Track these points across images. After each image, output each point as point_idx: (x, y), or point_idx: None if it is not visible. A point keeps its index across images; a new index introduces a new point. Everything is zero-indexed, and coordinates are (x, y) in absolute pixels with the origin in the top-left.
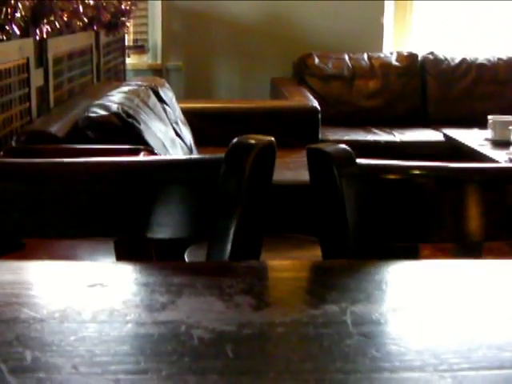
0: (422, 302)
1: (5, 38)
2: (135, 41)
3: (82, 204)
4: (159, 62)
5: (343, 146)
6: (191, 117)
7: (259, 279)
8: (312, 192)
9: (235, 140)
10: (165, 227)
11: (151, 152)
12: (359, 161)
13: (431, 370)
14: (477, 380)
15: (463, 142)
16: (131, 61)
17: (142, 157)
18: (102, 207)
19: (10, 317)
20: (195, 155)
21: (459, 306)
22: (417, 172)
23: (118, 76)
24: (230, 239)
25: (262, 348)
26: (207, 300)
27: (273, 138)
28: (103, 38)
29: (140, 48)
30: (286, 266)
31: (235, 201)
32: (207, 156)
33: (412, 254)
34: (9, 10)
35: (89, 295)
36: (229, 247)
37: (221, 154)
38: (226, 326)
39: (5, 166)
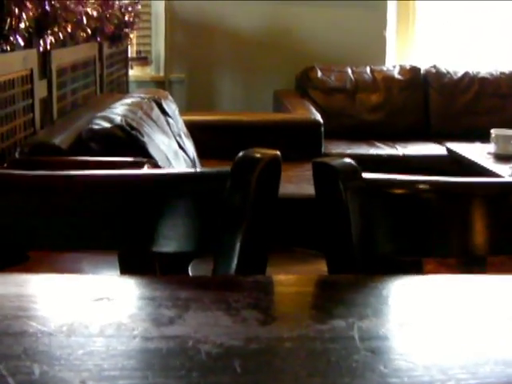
0: (429, 316)
1: (9, 48)
2: (138, 52)
3: (87, 216)
4: (162, 74)
5: (349, 160)
6: (194, 129)
7: (266, 294)
8: (317, 206)
9: (241, 154)
10: (170, 241)
11: (155, 165)
12: (365, 175)
13: None
14: None
15: (466, 155)
16: (134, 72)
17: (147, 170)
18: (107, 220)
19: (18, 330)
20: (201, 169)
21: (465, 321)
22: (422, 186)
23: (120, 88)
24: (236, 253)
25: (270, 363)
26: (214, 314)
27: (278, 152)
28: (106, 50)
29: (143, 60)
30: (292, 280)
31: (241, 214)
32: (213, 169)
33: (416, 268)
34: (13, 20)
35: (95, 309)
36: (235, 261)
37: (227, 168)
38: (233, 341)
39: (10, 177)
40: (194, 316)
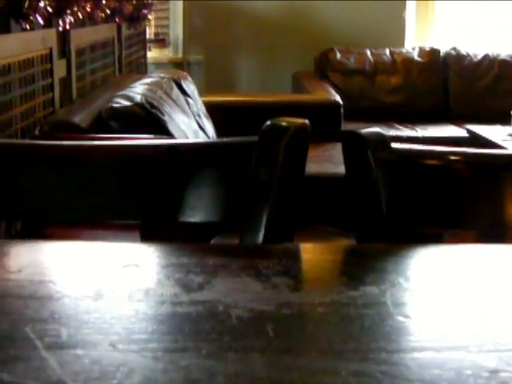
0: (463, 284)
1: (28, 27)
2: (156, 34)
3: (112, 186)
4: (180, 55)
5: (378, 129)
6: (212, 110)
7: (295, 261)
8: (346, 176)
9: (268, 122)
10: (196, 211)
11: None
12: (394, 145)
13: (476, 351)
14: None
15: (487, 137)
16: (152, 54)
17: (172, 140)
18: (133, 190)
19: (44, 295)
20: (228, 138)
21: (498, 288)
22: (452, 157)
23: (139, 69)
24: (263, 224)
25: (303, 328)
26: (243, 281)
27: (306, 120)
28: (125, 31)
29: (161, 41)
30: (321, 248)
31: (268, 185)
32: (240, 139)
33: (437, 240)
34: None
35: (123, 275)
36: (262, 232)
37: (254, 137)
38: (264, 306)
39: (32, 148)
40: (223, 282)
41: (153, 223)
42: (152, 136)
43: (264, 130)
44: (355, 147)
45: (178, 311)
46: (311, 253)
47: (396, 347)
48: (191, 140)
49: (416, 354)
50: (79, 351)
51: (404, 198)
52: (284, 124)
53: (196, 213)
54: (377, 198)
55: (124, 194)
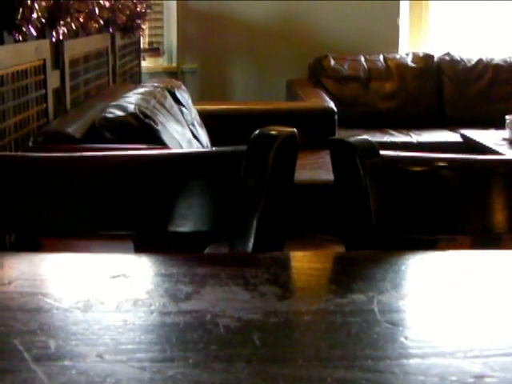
0: (449, 290)
1: (21, 38)
2: (150, 43)
3: (102, 198)
4: (174, 64)
5: (366, 137)
6: (207, 118)
7: (283, 269)
8: (335, 183)
9: (257, 132)
10: (186, 220)
11: None
12: (382, 152)
13: (461, 356)
14: (508, 366)
15: (481, 141)
16: (146, 64)
17: (162, 150)
18: (123, 201)
19: (34, 307)
20: (217, 148)
21: (483, 293)
22: (440, 164)
23: (133, 79)
24: (253, 232)
25: (290, 336)
26: (232, 290)
27: (295, 129)
28: (119, 41)
29: (155, 51)
30: (309, 257)
31: (258, 193)
32: (229, 148)
33: (430, 246)
34: (25, 10)
35: (112, 286)
36: (252, 240)
37: (243, 146)
38: (251, 315)
39: (25, 160)
40: (212, 291)
41: (146, 234)
42: (145, 146)
43: (253, 139)
44: (344, 155)
45: (165, 321)
46: (300, 261)
47: (382, 354)
48: (181, 150)
49: (402, 361)
50: (67, 362)
51: (393, 204)
52: (272, 133)
53: (186, 222)
54: (366, 206)
55: (116, 205)
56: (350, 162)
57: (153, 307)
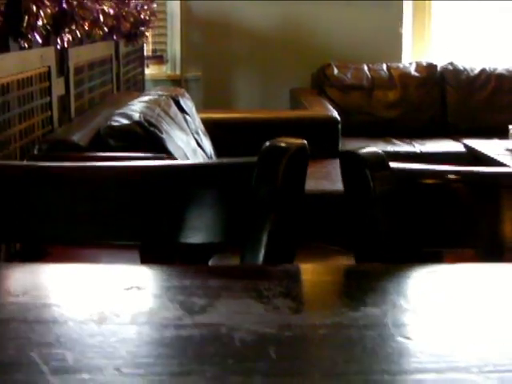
0: (461, 304)
1: (26, 46)
2: (154, 51)
3: (112, 208)
4: (178, 72)
5: (375, 149)
6: (210, 127)
7: (296, 282)
8: (345, 196)
9: (267, 143)
10: (197, 232)
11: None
12: (392, 164)
13: (476, 371)
14: None
15: (484, 152)
16: (150, 71)
17: (172, 161)
18: (132, 211)
19: (49, 318)
20: (227, 159)
21: (501, 308)
22: (450, 176)
23: (136, 86)
24: (264, 244)
25: (306, 350)
26: (245, 302)
27: (305, 141)
28: (123, 48)
29: (159, 58)
30: (320, 269)
31: (268, 205)
32: (239, 159)
33: (436, 259)
34: (31, 18)
35: (126, 298)
36: (262, 253)
37: (253, 158)
38: (266, 329)
39: (32, 169)
40: (226, 304)
41: (154, 244)
42: (151, 155)
43: (263, 151)
44: (354, 167)
45: (181, 334)
46: (311, 274)
47: (398, 369)
48: (191, 161)
49: (418, 376)
50: (85, 375)
51: (403, 217)
52: (283, 145)
53: (196, 234)
54: (375, 218)
55: (124, 216)
56: (359, 174)
57: (168, 320)
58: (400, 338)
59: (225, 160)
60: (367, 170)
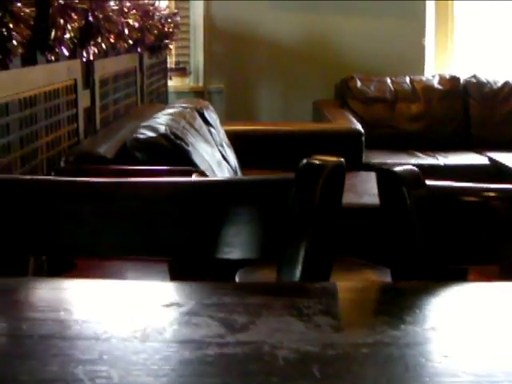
0: (503, 322)
1: (53, 58)
2: (177, 63)
3: (144, 223)
4: (201, 84)
5: (411, 167)
6: (233, 139)
7: (334, 300)
8: (381, 213)
9: (305, 161)
10: (233, 248)
11: (202, 174)
12: (428, 182)
13: None
14: None
15: (508, 165)
16: (173, 83)
17: (209, 177)
18: (169, 227)
19: (91, 335)
20: (264, 176)
21: None
22: (487, 194)
23: (160, 98)
24: (301, 261)
25: (349, 369)
26: (286, 320)
27: (342, 159)
28: (146, 60)
29: (182, 70)
30: (358, 287)
31: (306, 222)
32: (277, 177)
33: (460, 276)
34: (58, 31)
35: (167, 315)
36: (299, 269)
37: (291, 175)
38: (309, 347)
39: (60, 184)
40: (266, 322)
41: (185, 259)
42: (178, 168)
43: (301, 169)
44: (390, 184)
45: (224, 352)
46: (349, 291)
47: None
48: (228, 177)
49: None
50: None
51: (438, 234)
52: (320, 163)
53: (233, 250)
54: (411, 235)
55: (157, 231)
56: (396, 192)
57: (210, 338)
58: (441, 357)
59: (262, 176)
60: (404, 188)
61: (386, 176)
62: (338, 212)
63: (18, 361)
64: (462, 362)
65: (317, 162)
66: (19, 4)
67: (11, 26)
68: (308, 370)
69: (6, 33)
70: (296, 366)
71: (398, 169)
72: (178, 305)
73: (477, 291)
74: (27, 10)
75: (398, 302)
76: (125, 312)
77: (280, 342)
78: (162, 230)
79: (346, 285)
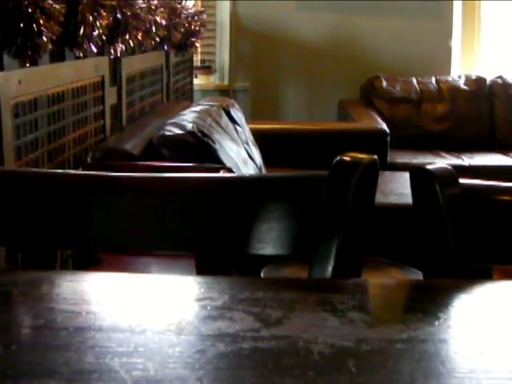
0: None
1: (82, 55)
2: (202, 61)
3: (174, 219)
4: (226, 82)
5: (445, 165)
6: (258, 138)
7: (368, 296)
8: (414, 212)
9: (338, 158)
10: (265, 244)
11: (230, 171)
12: (462, 181)
13: None
14: None
15: None
16: (198, 81)
17: (241, 174)
18: (202, 223)
19: (127, 328)
20: (297, 172)
21: None
22: None
23: (185, 96)
24: (333, 257)
25: (384, 364)
26: (320, 316)
27: (375, 156)
28: (173, 58)
29: (207, 68)
30: (391, 284)
31: (339, 219)
32: (310, 173)
33: (486, 275)
34: (87, 28)
35: (200, 309)
36: (331, 265)
37: (324, 172)
38: (344, 342)
39: (91, 178)
40: (301, 317)
41: (213, 255)
42: (206, 165)
43: (334, 165)
44: (423, 183)
45: (259, 346)
46: (382, 288)
47: None
48: (260, 174)
49: None
50: None
51: (472, 233)
52: (354, 160)
53: (265, 246)
54: (444, 234)
55: (187, 227)
56: (429, 190)
57: (245, 332)
58: (475, 353)
59: (294, 173)
60: (437, 186)
61: (419, 174)
62: (371, 209)
63: (54, 353)
64: (497, 358)
65: (351, 160)
66: (50, 0)
67: (41, 21)
68: (344, 365)
69: (36, 28)
70: (331, 361)
71: (431, 167)
72: (211, 299)
73: (508, 289)
74: (57, 7)
75: (431, 299)
76: (158, 305)
77: (315, 337)
78: (194, 225)
79: (378, 282)
